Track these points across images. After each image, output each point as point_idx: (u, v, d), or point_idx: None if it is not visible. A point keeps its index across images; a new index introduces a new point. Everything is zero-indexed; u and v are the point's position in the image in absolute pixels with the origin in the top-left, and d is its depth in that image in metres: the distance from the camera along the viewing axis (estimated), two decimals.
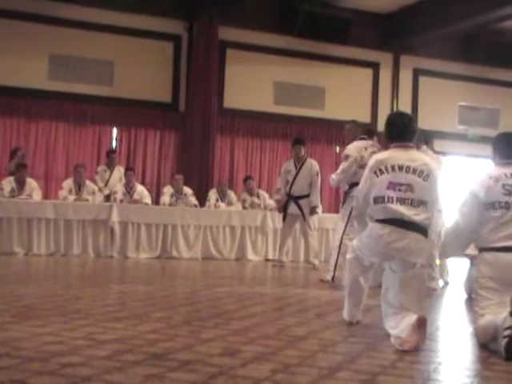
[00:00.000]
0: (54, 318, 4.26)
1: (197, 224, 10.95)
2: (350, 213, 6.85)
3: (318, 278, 7.99)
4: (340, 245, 7.36)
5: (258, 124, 14.43)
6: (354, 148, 7.56)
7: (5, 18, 12.78)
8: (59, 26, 13.04)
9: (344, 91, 14.89)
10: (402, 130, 4.47)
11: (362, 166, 6.29)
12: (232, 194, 12.24)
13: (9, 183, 10.61)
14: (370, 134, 8.06)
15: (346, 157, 7.53)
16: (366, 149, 7.43)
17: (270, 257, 11.31)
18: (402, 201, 4.19)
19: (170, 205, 11.32)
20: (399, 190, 4.21)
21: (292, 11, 13.84)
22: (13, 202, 10.15)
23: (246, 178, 12.66)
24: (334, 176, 7.76)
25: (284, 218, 10.37)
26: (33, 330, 3.76)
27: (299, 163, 10.29)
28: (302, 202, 10.08)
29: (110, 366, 2.97)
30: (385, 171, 4.28)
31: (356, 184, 5.96)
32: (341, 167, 7.60)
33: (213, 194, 11.94)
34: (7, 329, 3.78)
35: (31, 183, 10.75)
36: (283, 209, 10.32)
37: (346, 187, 7.65)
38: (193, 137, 13.45)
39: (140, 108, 13.51)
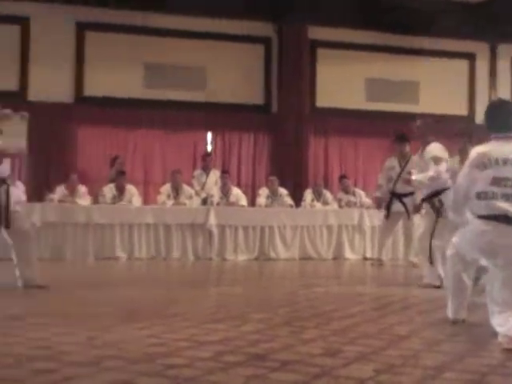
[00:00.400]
0: (157, 320, 4.36)
1: (293, 224, 10.96)
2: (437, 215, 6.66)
3: (417, 275, 7.82)
4: (430, 250, 6.93)
5: (350, 122, 14.30)
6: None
7: (100, 30, 13.19)
8: (152, 36, 13.35)
9: (439, 84, 14.53)
10: (505, 120, 4.29)
11: None
12: (327, 194, 12.17)
13: (110, 190, 10.93)
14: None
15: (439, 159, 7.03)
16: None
17: (369, 255, 11.19)
18: (506, 197, 4.04)
19: (266, 206, 11.38)
20: (504, 186, 4.06)
21: (379, 6, 13.65)
22: (114, 208, 10.45)
23: (342, 177, 12.56)
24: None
25: (387, 216, 10.04)
26: (137, 333, 3.85)
27: (404, 160, 9.97)
28: (406, 199, 9.70)
29: (213, 366, 3.01)
30: (488, 165, 4.13)
31: None
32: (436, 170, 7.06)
33: (308, 194, 11.91)
34: (113, 331, 3.89)
35: (131, 189, 11.04)
36: (386, 207, 10.03)
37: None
38: (286, 137, 13.48)
39: (233, 111, 13.64)
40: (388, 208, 9.99)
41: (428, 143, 7.09)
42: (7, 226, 6.10)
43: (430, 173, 6.77)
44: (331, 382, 2.79)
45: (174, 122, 13.55)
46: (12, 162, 6.66)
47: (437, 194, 6.78)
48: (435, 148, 7.04)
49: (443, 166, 6.83)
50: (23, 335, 3.73)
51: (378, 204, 10.51)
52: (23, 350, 3.32)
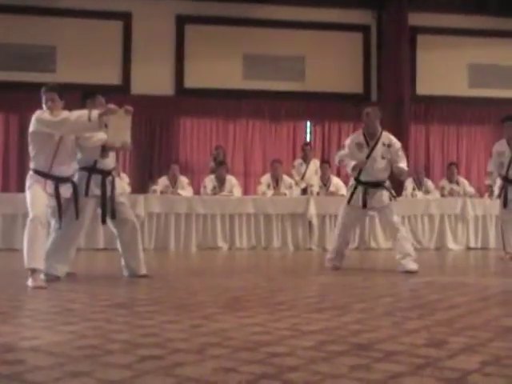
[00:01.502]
0: (260, 309, 4.39)
1: None
2: None
3: None
4: None
5: (453, 109, 14.00)
6: None
7: (199, 23, 13.38)
8: (251, 27, 13.45)
9: None
10: None
11: None
12: (429, 182, 11.94)
13: (210, 181, 11.10)
14: None
15: None
16: None
17: (472, 245, 10.92)
18: None
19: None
20: None
21: None
22: (215, 199, 10.60)
23: (450, 164, 12.20)
24: None
25: (505, 205, 9.06)
26: (240, 321, 3.89)
27: None
28: None
29: (316, 356, 3.01)
30: None
31: None
32: None
33: (409, 183, 11.72)
34: (217, 319, 3.95)
35: (231, 180, 11.17)
36: (500, 195, 9.17)
37: None
38: (386, 126, 13.19)
39: (332, 101, 13.59)
40: (505, 196, 9.06)
41: None
42: (113, 217, 6.29)
43: None
44: (436, 374, 2.73)
45: (273, 113, 13.63)
46: (117, 155, 6.85)
47: None
48: None
49: None
50: (129, 323, 3.84)
51: (489, 192, 10.09)
52: (130, 337, 3.41)
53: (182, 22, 13.54)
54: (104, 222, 6.34)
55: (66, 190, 6.01)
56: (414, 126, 13.93)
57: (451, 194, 11.57)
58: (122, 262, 6.44)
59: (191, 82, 13.47)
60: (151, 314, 4.15)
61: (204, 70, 13.41)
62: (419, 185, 11.75)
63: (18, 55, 13.13)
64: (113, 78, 13.24)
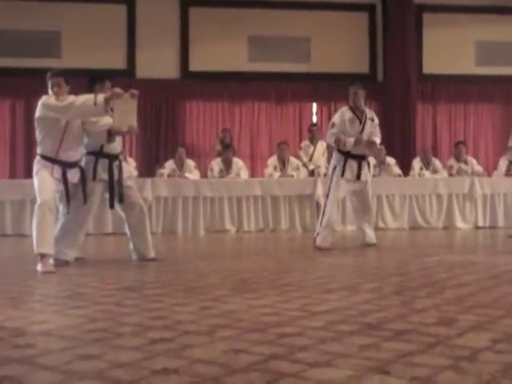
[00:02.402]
0: (268, 290, 4.39)
1: (402, 194, 10.81)
2: None
3: None
4: None
5: (460, 88, 13.92)
6: None
7: (204, 6, 13.32)
8: (255, 8, 13.38)
9: None
10: None
11: None
12: (437, 162, 11.90)
13: (217, 164, 11.09)
14: None
15: None
16: None
17: (481, 224, 10.90)
18: None
19: (374, 176, 11.23)
20: None
21: None
22: (222, 181, 10.60)
23: (458, 143, 12.14)
24: None
25: None
26: (249, 303, 3.90)
27: None
28: None
29: (326, 336, 3.01)
30: None
31: None
32: None
33: (417, 163, 11.69)
34: (226, 301, 3.96)
35: (238, 163, 11.16)
36: None
37: None
38: (393, 106, 13.26)
39: (338, 81, 13.51)
40: None
41: None
42: (121, 201, 6.30)
43: None
44: (446, 352, 2.73)
45: (279, 94, 13.59)
46: (123, 139, 6.84)
47: None
48: None
49: None
50: (139, 306, 3.85)
51: (508, 169, 10.04)
52: (139, 319, 3.43)
53: (186, 4, 13.48)
54: (112, 206, 6.34)
55: (73, 175, 6.01)
56: (420, 105, 13.87)
57: (459, 173, 11.53)
58: (131, 246, 6.46)
59: (196, 65, 13.43)
60: (160, 296, 4.16)
61: (209, 52, 13.37)
62: (427, 164, 11.71)
63: (23, 41, 13.11)
64: (118, 62, 13.21)
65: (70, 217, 6.10)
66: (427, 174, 11.52)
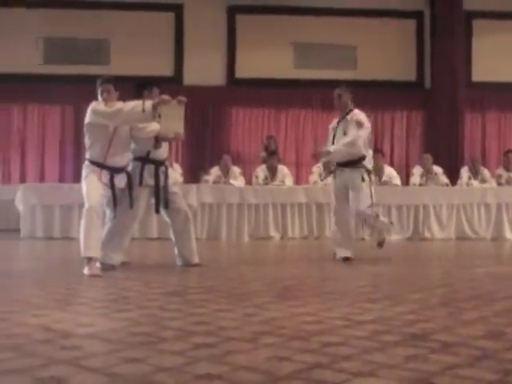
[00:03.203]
0: (312, 298, 4.37)
1: (449, 203, 10.66)
2: None
3: None
4: None
5: (510, 96, 13.68)
6: None
7: (250, 13, 13.37)
8: (301, 15, 13.38)
9: None
10: None
11: None
12: (485, 171, 11.72)
13: (262, 171, 11.10)
14: None
15: None
16: None
17: None
18: None
19: (420, 185, 11.13)
20: None
21: None
22: (267, 188, 10.60)
23: (507, 152, 11.92)
24: None
25: None
26: (292, 310, 3.88)
27: None
28: None
29: (370, 345, 2.98)
30: None
31: None
32: None
33: (465, 172, 11.53)
34: (269, 308, 3.95)
35: (283, 170, 11.15)
36: None
37: None
38: (440, 114, 13.11)
39: (384, 89, 13.45)
40: None
41: None
42: (166, 207, 6.34)
43: None
44: (494, 366, 2.68)
45: (325, 102, 13.53)
46: (169, 145, 6.89)
47: None
48: None
49: None
50: (182, 311, 3.87)
51: None
52: (183, 324, 3.44)
53: (233, 12, 13.55)
54: (157, 211, 6.39)
55: (120, 180, 6.08)
56: (469, 113, 13.69)
57: (508, 182, 11.33)
58: (175, 251, 6.49)
59: (243, 71, 13.48)
60: (204, 302, 4.17)
61: (255, 59, 13.41)
62: (475, 173, 11.55)
63: (72, 49, 13.33)
64: (165, 69, 13.34)
65: (116, 221, 6.16)
66: (475, 183, 11.35)
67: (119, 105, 5.81)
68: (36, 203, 10.08)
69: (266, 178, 11.02)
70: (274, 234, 10.44)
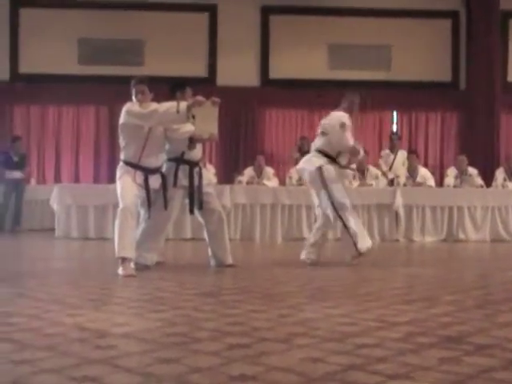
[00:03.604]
0: (345, 299, 4.36)
1: (484, 205, 10.54)
2: None
3: None
4: None
5: None
6: None
7: (284, 13, 13.36)
8: (336, 16, 13.35)
9: None
10: None
11: None
12: None
13: (295, 172, 11.07)
14: None
15: None
16: None
17: None
18: None
19: (455, 186, 11.03)
20: None
21: None
22: (300, 189, 10.56)
23: None
24: None
25: None
26: (326, 311, 3.87)
27: None
28: None
29: (404, 347, 2.97)
30: None
31: None
32: None
33: (500, 174, 11.40)
34: (303, 309, 3.95)
35: None
36: None
37: None
38: (475, 115, 12.99)
39: (419, 89, 13.36)
40: None
41: None
42: (200, 207, 6.36)
43: None
44: None
45: (359, 102, 13.46)
46: (203, 146, 6.92)
47: None
48: None
49: None
50: (216, 311, 3.88)
51: None
52: (217, 325, 3.45)
53: (266, 12, 13.56)
54: (191, 212, 6.42)
55: (155, 181, 6.11)
56: (505, 114, 13.53)
57: None
58: (209, 252, 6.51)
59: (276, 72, 13.48)
60: (238, 303, 4.18)
61: (289, 60, 13.40)
62: (510, 175, 11.41)
63: (107, 49, 13.45)
64: (199, 70, 13.39)
65: (150, 222, 6.20)
66: (511, 185, 11.21)
67: (154, 106, 5.85)
68: (71, 203, 10.19)
69: (299, 179, 10.99)
70: (308, 235, 10.40)
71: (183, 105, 5.64)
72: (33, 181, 12.91)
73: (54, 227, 10.25)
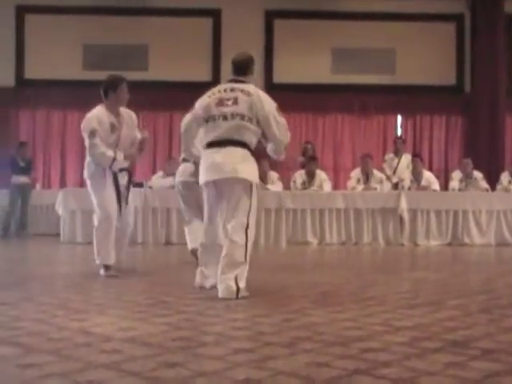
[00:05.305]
0: (351, 304, 4.36)
1: (489, 209, 10.52)
2: None
3: None
4: None
5: None
6: None
7: (288, 18, 13.37)
8: (340, 20, 13.36)
9: None
10: None
11: None
12: None
13: (300, 176, 11.09)
14: None
15: None
16: None
17: None
18: None
19: (460, 190, 11.02)
20: None
21: None
22: (305, 193, 10.59)
23: None
24: None
25: None
26: (331, 316, 3.87)
27: None
28: None
29: (410, 352, 2.96)
30: None
31: None
32: None
33: (505, 177, 11.39)
34: (308, 314, 3.94)
35: (320, 175, 11.13)
36: None
37: None
38: (480, 119, 12.97)
39: (423, 93, 13.35)
40: None
41: None
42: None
43: None
44: None
45: (362, 106, 13.50)
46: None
47: None
48: None
49: None
50: (221, 316, 3.88)
51: None
52: (222, 329, 3.45)
53: (270, 17, 13.58)
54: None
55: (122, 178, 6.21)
56: (509, 118, 13.52)
57: None
58: None
59: (280, 76, 13.49)
60: (242, 307, 4.18)
61: (293, 64, 13.41)
62: None
63: (112, 55, 13.47)
64: (203, 74, 13.40)
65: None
66: None
67: (97, 140, 5.99)
68: (76, 208, 10.20)
69: (303, 183, 11.00)
70: (312, 239, 10.41)
71: (119, 164, 5.89)
72: (38, 186, 12.94)
73: (60, 232, 10.27)
